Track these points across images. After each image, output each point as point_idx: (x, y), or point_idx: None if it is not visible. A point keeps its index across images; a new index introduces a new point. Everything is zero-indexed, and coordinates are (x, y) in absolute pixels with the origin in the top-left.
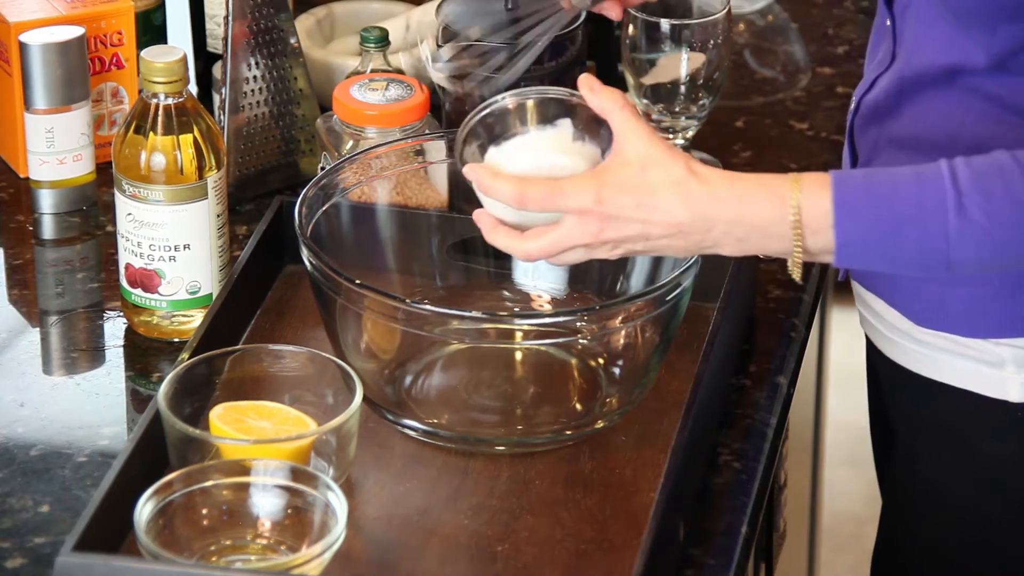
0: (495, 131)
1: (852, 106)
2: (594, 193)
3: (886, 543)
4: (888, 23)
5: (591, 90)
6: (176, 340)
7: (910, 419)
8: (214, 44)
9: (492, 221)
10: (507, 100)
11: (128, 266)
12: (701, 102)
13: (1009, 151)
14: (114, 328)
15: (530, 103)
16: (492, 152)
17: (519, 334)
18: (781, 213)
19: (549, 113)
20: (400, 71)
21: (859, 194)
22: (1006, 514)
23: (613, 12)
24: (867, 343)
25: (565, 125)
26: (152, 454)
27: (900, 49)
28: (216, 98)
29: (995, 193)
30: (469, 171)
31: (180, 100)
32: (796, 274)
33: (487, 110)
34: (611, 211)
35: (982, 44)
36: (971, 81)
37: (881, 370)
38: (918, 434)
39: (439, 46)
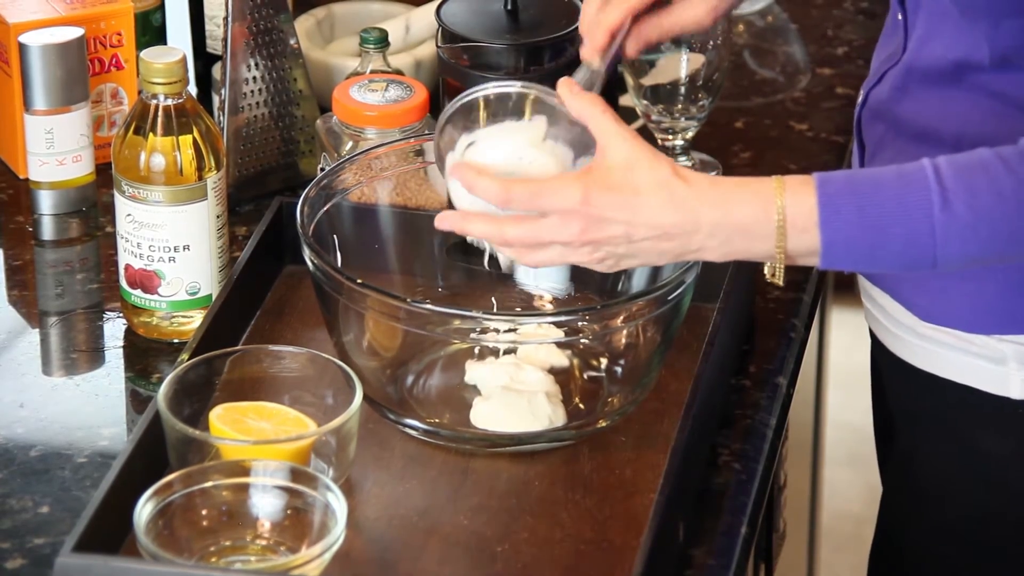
0: (471, 118)
1: (860, 98)
2: (581, 193)
3: (885, 536)
4: (900, 17)
5: (571, 94)
6: (176, 341)
7: (911, 414)
8: (213, 45)
9: (460, 214)
10: (489, 90)
11: (128, 267)
12: (701, 103)
13: (992, 148)
14: (114, 329)
15: (513, 95)
16: (464, 137)
17: (520, 334)
18: (766, 214)
19: (527, 108)
20: (400, 72)
21: (843, 193)
22: (1005, 510)
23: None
24: (871, 338)
25: (539, 122)
26: (152, 455)
27: (910, 43)
28: (216, 99)
29: (979, 188)
30: (454, 170)
31: (180, 101)
32: (779, 278)
33: (470, 97)
34: (596, 211)
35: (986, 38)
36: (977, 78)
37: (884, 365)
38: (919, 429)
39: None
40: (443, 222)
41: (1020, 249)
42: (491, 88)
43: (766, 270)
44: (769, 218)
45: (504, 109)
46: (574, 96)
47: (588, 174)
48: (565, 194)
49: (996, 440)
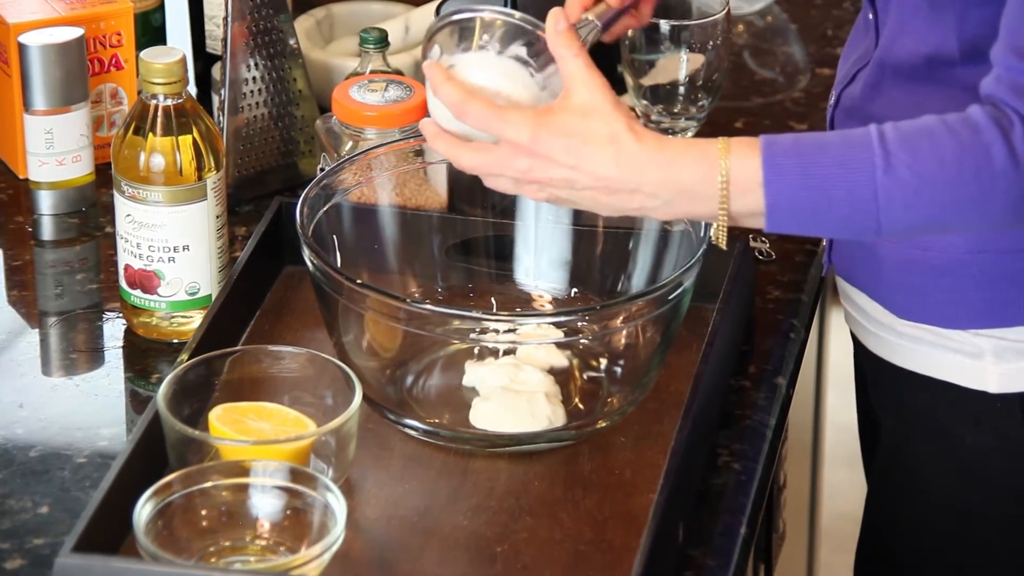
0: (462, 38)
1: (832, 100)
2: (530, 131)
3: (871, 533)
4: (871, 16)
5: (554, 30)
6: (175, 341)
7: (893, 411)
8: (213, 45)
9: (436, 128)
10: (483, 14)
11: (127, 267)
12: (700, 103)
13: (938, 115)
14: (113, 329)
15: (499, 22)
16: (447, 58)
17: (520, 334)
18: (709, 174)
19: (514, 38)
20: (399, 72)
21: (788, 155)
22: (986, 504)
23: (633, 22)
24: (852, 338)
25: (521, 54)
26: (151, 455)
27: (881, 40)
28: (215, 99)
29: (923, 152)
30: (427, 67)
31: (179, 101)
32: (722, 241)
33: (462, 15)
34: (541, 150)
35: (955, 30)
36: (948, 72)
37: (865, 364)
38: (900, 425)
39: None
40: (424, 127)
41: (962, 217)
42: (486, 13)
43: (712, 233)
44: (713, 179)
45: (491, 36)
46: (556, 33)
47: (544, 114)
48: (517, 127)
49: (976, 435)
